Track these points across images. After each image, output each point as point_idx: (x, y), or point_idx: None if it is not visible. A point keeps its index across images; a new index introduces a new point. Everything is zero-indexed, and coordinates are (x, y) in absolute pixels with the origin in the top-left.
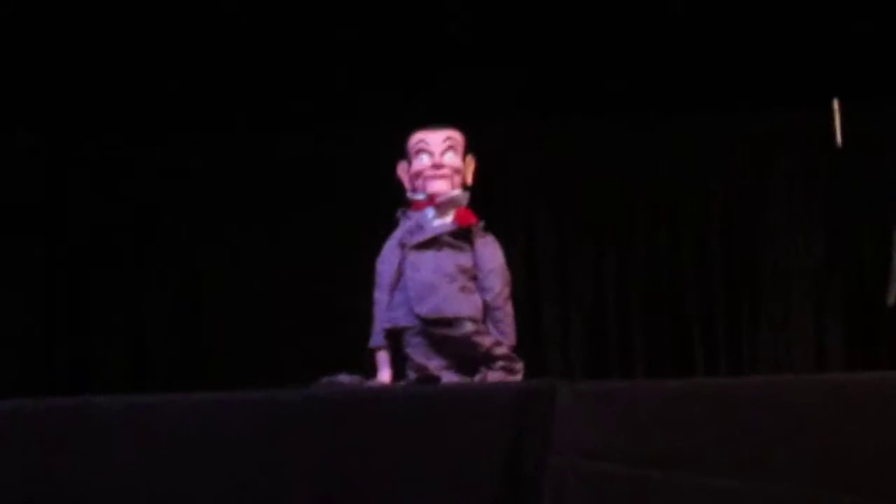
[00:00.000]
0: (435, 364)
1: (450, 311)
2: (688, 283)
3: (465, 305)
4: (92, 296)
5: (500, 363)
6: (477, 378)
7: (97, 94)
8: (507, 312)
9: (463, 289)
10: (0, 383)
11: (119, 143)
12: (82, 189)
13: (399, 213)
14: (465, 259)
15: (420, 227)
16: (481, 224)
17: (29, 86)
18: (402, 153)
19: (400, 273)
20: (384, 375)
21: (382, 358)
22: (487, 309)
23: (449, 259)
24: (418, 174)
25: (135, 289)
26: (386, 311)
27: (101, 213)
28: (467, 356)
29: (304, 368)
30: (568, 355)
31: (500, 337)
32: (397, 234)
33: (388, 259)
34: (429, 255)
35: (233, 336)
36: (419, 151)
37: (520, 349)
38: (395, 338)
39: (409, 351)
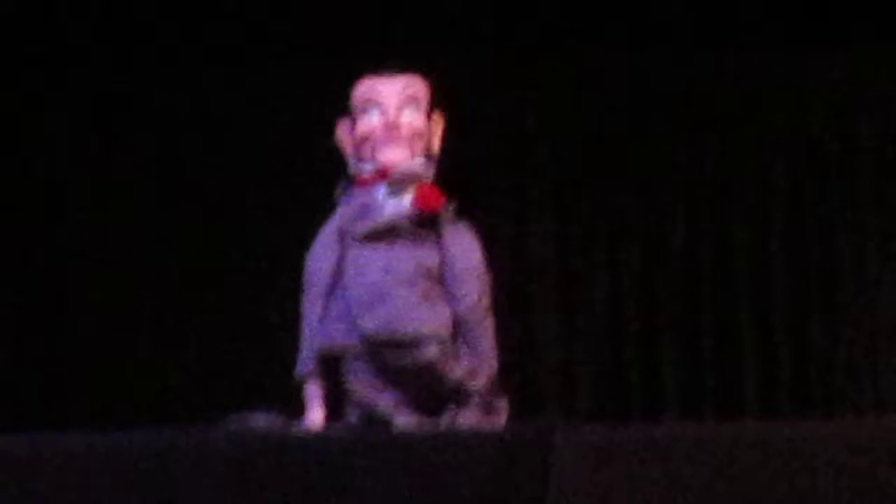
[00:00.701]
0: (386, 400)
1: (407, 326)
2: (738, 289)
3: (427, 319)
4: None
5: (477, 400)
6: (444, 420)
7: None
8: (485, 328)
9: (425, 296)
10: None
11: None
12: None
13: (338, 192)
14: (428, 255)
15: (367, 211)
16: (451, 207)
17: None
18: (343, 108)
19: (339, 274)
20: (315, 415)
21: (313, 391)
22: (459, 324)
23: (407, 255)
24: (366, 138)
25: None
26: (319, 327)
27: None
28: (431, 389)
29: (204, 401)
30: (569, 388)
31: (477, 363)
32: (335, 221)
33: (321, 255)
34: (379, 251)
35: (108, 351)
36: (367, 105)
37: (503, 379)
38: (330, 363)
39: (351, 382)
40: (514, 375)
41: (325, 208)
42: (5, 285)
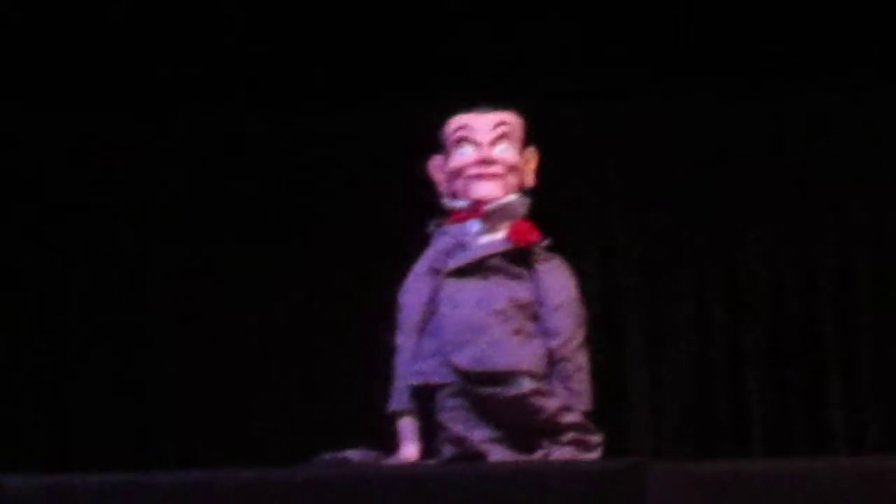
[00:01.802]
0: (479, 436)
1: (500, 362)
2: (825, 321)
3: (521, 355)
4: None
5: (570, 435)
6: (538, 456)
7: None
8: (579, 365)
9: (518, 332)
10: None
11: None
12: None
13: (431, 227)
14: (522, 290)
15: (461, 246)
16: (545, 242)
17: None
18: (436, 145)
19: (432, 309)
20: (409, 450)
21: (407, 426)
22: (553, 360)
23: (500, 290)
24: (459, 172)
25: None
26: (412, 363)
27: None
28: (524, 425)
29: (297, 440)
30: (661, 424)
31: (570, 399)
32: (429, 256)
33: (414, 290)
34: (472, 285)
35: (192, 395)
36: (460, 141)
37: (596, 416)
38: (424, 399)
39: (444, 417)
40: (605, 411)
41: (418, 245)
42: (93, 333)
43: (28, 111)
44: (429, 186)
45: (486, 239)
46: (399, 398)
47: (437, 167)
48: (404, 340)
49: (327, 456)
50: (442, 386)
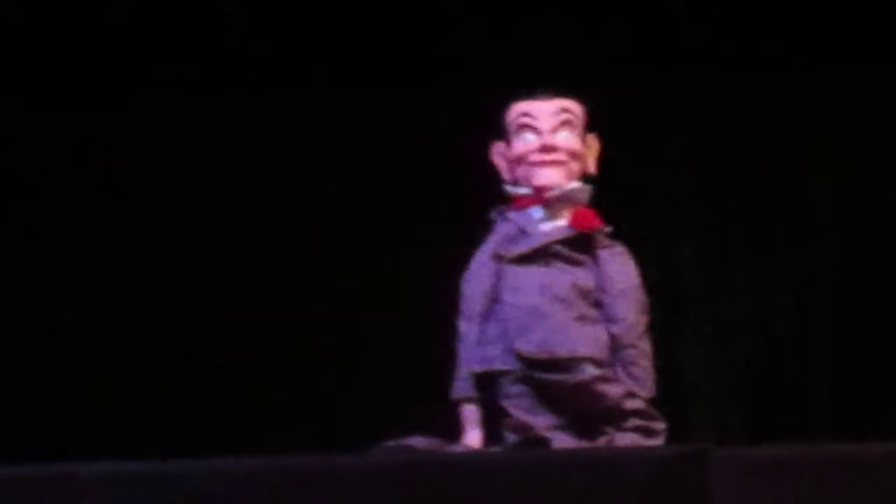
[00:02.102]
0: (542, 422)
1: (563, 348)
2: (893, 306)
3: (584, 341)
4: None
5: (634, 421)
6: (601, 442)
7: None
8: (642, 351)
9: (581, 318)
10: None
11: None
12: None
13: (493, 214)
14: (584, 277)
15: (523, 233)
16: (607, 229)
17: None
18: (498, 131)
19: (494, 296)
20: (472, 437)
21: (470, 413)
22: (615, 346)
23: (563, 277)
24: (521, 159)
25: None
26: (475, 349)
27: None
28: (587, 411)
29: (356, 428)
30: (723, 409)
31: (633, 385)
32: (491, 243)
33: (477, 277)
34: (535, 272)
35: (253, 379)
36: (522, 128)
37: (659, 402)
38: (487, 385)
39: (507, 404)
40: (667, 397)
41: (479, 232)
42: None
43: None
44: (487, 172)
45: (548, 226)
46: (462, 385)
47: (499, 153)
48: (467, 327)
49: (391, 443)
50: (505, 373)
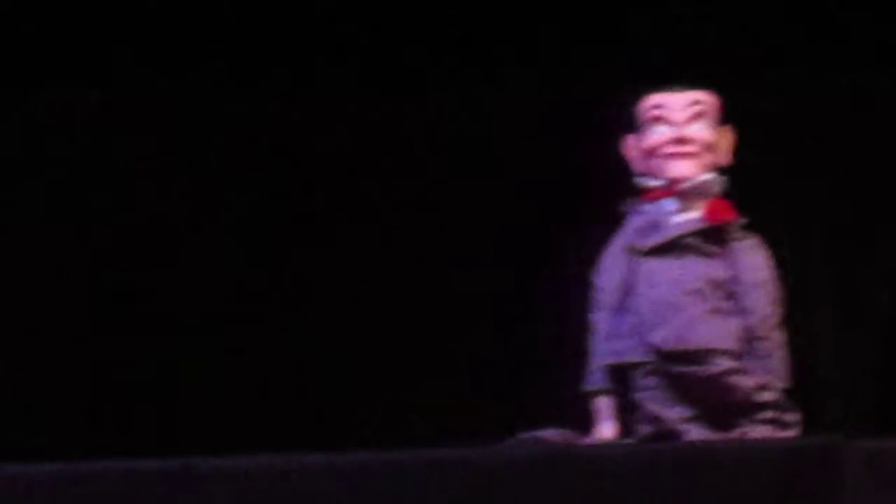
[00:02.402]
0: (676, 415)
1: (697, 340)
2: None
3: (718, 333)
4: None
5: (767, 413)
6: (734, 434)
7: None
8: (776, 344)
9: (716, 311)
10: None
11: None
12: None
13: (626, 206)
14: (718, 269)
15: (656, 225)
16: (741, 221)
17: None
18: (630, 123)
19: (627, 289)
20: (605, 430)
21: (603, 406)
22: (749, 339)
23: (696, 269)
24: (653, 151)
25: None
26: (607, 342)
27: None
28: (721, 404)
29: (486, 422)
30: (858, 401)
31: (767, 377)
32: (622, 236)
33: (609, 270)
34: (668, 264)
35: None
36: (655, 120)
37: (793, 394)
38: (620, 378)
39: (641, 396)
40: (801, 389)
41: (611, 224)
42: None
43: None
44: (618, 164)
45: (681, 218)
46: (595, 378)
47: (631, 146)
48: (600, 320)
49: (525, 435)
50: (638, 365)
